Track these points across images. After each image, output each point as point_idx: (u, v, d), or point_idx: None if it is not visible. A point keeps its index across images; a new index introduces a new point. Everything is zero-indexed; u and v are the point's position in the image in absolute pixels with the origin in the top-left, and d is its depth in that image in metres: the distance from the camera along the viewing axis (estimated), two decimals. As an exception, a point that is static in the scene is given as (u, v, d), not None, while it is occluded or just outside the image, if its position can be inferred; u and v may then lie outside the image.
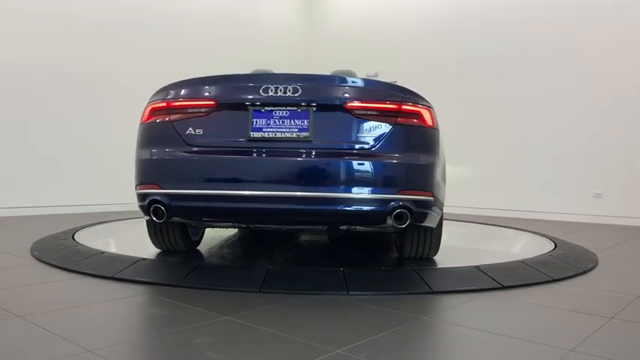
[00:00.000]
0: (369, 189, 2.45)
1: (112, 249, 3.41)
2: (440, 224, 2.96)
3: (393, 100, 2.55)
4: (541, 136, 7.28)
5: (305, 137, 2.50)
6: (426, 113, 2.63)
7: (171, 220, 2.73)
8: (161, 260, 3.03)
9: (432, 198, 2.58)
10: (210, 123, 2.58)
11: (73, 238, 3.73)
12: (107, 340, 1.80)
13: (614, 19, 6.74)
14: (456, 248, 3.96)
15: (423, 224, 2.71)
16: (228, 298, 2.45)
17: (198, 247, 3.49)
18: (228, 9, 8.54)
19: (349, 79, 2.68)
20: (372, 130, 2.51)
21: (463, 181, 7.86)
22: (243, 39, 8.67)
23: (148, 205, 2.61)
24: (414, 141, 2.59)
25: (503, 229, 5.33)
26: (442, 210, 2.89)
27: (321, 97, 2.57)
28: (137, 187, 2.72)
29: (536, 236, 4.65)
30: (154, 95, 2.81)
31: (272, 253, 3.30)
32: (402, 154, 2.52)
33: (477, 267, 2.93)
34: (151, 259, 3.04)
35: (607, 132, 6.73)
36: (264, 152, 2.52)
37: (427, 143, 2.63)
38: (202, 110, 2.60)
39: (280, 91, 2.53)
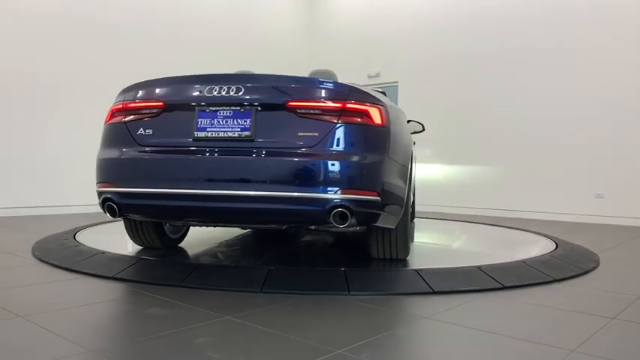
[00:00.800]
0: (308, 188, 2.43)
1: (113, 249, 3.40)
2: (405, 225, 2.90)
3: (337, 99, 2.52)
4: (542, 136, 7.27)
5: (247, 136, 2.52)
6: (374, 111, 2.55)
7: (132, 218, 2.85)
8: (162, 260, 3.03)
9: (378, 198, 2.49)
10: (160, 123, 2.66)
11: (75, 238, 3.73)
12: (108, 340, 1.80)
13: (615, 20, 6.73)
14: (457, 248, 3.96)
15: (378, 225, 2.67)
16: (229, 298, 2.45)
17: (201, 247, 3.49)
18: (228, 9, 8.54)
19: (292, 78, 2.64)
20: (314, 129, 2.48)
21: (464, 182, 7.87)
22: (244, 39, 8.67)
23: (102, 203, 2.73)
24: (358, 140, 2.51)
25: (504, 229, 5.33)
26: (403, 210, 2.82)
27: (263, 96, 2.57)
28: (96, 186, 2.81)
29: (538, 236, 4.64)
30: (117, 97, 2.89)
31: (273, 253, 3.30)
32: (343, 153, 2.47)
33: (478, 267, 2.93)
34: (151, 259, 3.04)
35: (608, 132, 6.72)
36: (207, 151, 2.55)
37: (373, 142, 2.55)
38: (153, 111, 2.68)
39: (224, 91, 2.56)
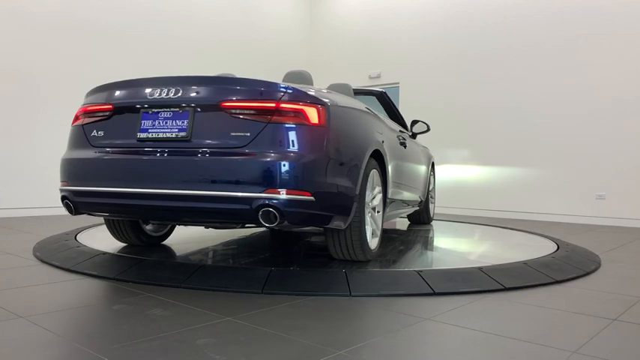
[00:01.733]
0: (236, 187, 2.45)
1: (115, 250, 3.41)
2: (359, 227, 2.87)
3: (271, 99, 2.53)
4: (543, 137, 7.27)
5: (183, 137, 2.58)
6: (311, 111, 2.54)
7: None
8: (163, 261, 3.04)
9: (311, 198, 2.47)
10: (110, 125, 2.80)
11: (76, 239, 3.74)
12: (110, 340, 1.81)
13: (616, 21, 6.72)
14: (458, 249, 3.96)
15: (327, 226, 2.71)
16: (231, 298, 2.45)
17: (202, 248, 3.49)
18: (228, 9, 8.54)
19: (228, 79, 2.68)
20: (246, 129, 2.51)
21: (463, 183, 7.86)
22: (244, 40, 8.69)
23: (61, 201, 2.92)
24: (289, 139, 2.49)
25: (506, 230, 5.32)
26: (352, 211, 2.77)
27: (199, 98, 2.62)
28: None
29: (539, 237, 4.64)
30: (83, 100, 3.06)
31: (274, 254, 3.30)
32: (273, 152, 2.47)
33: (479, 268, 2.93)
34: (153, 260, 3.04)
35: (610, 133, 6.72)
36: (148, 152, 2.65)
37: (307, 141, 2.51)
38: (105, 114, 2.82)
39: (164, 93, 2.65)
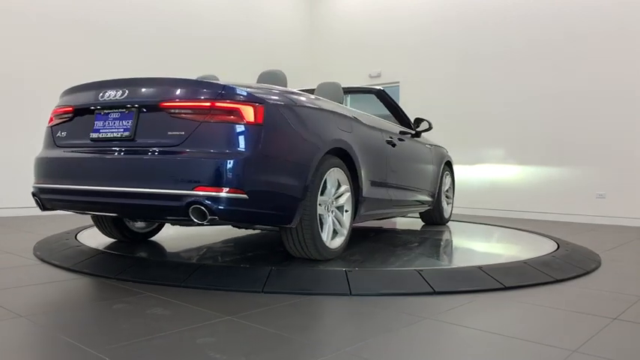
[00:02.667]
0: (169, 185, 2.51)
1: (115, 249, 3.41)
2: (310, 225, 2.85)
3: (206, 98, 2.58)
4: (543, 136, 7.27)
5: (127, 136, 2.68)
6: (247, 110, 2.56)
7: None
8: (164, 260, 3.04)
9: (244, 196, 2.49)
10: (71, 126, 2.95)
11: (76, 238, 3.74)
12: (110, 339, 1.81)
13: (616, 22, 6.72)
14: (458, 248, 3.96)
15: (274, 225, 2.76)
16: (231, 298, 2.46)
17: (202, 247, 3.49)
18: (228, 10, 8.54)
19: (169, 80, 2.74)
20: (181, 128, 2.57)
21: (464, 182, 7.86)
22: (244, 40, 8.68)
23: (32, 197, 3.06)
24: (222, 138, 2.54)
25: (506, 229, 5.32)
26: (300, 209, 2.77)
27: (142, 99, 2.72)
28: None
29: (539, 237, 4.64)
30: None
31: (275, 253, 3.30)
32: (205, 150, 2.51)
33: (480, 267, 2.93)
34: (153, 260, 3.04)
35: (610, 132, 6.72)
36: (98, 151, 2.79)
37: (241, 140, 2.54)
38: (68, 115, 2.97)
39: (113, 95, 2.77)
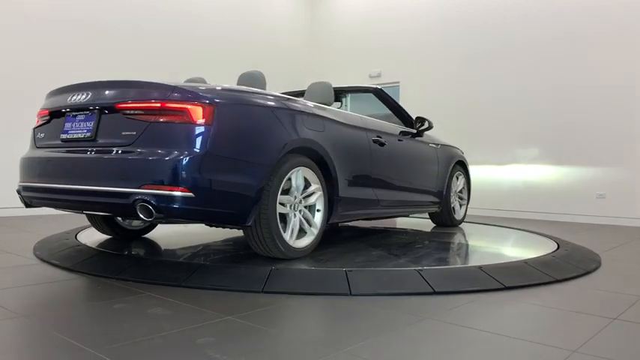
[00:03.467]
0: (119, 183, 2.62)
1: (115, 249, 3.41)
2: (268, 224, 2.85)
3: (157, 99, 2.65)
4: (543, 136, 7.27)
5: (89, 137, 2.82)
6: (196, 110, 2.61)
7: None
8: (164, 260, 3.04)
9: (189, 194, 2.53)
10: (48, 128, 3.11)
11: (76, 238, 3.74)
12: (110, 339, 1.81)
13: (617, 22, 6.72)
14: (459, 248, 3.96)
15: (230, 224, 2.84)
16: (231, 298, 2.46)
17: (203, 247, 3.49)
18: (229, 11, 8.54)
19: (125, 82, 2.84)
20: (133, 128, 2.66)
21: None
22: (244, 41, 8.68)
23: (17, 194, 3.24)
24: (169, 137, 2.61)
25: (506, 229, 5.32)
26: (253, 209, 2.78)
27: (102, 101, 2.82)
28: None
29: (539, 237, 4.64)
30: None
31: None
32: (154, 150, 2.59)
33: (480, 267, 2.93)
34: (153, 259, 3.04)
35: (610, 132, 6.72)
36: (65, 151, 2.94)
37: (188, 139, 2.59)
38: (46, 117, 3.13)
39: (80, 98, 2.90)
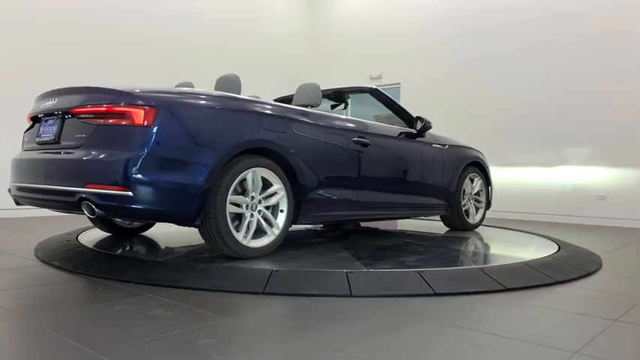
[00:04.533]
0: (67, 182, 2.83)
1: (116, 250, 3.42)
2: (216, 223, 2.90)
3: (104, 103, 2.82)
4: (544, 136, 7.27)
5: (53, 140, 3.04)
6: (138, 113, 2.74)
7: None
8: (164, 261, 3.04)
9: (128, 193, 2.65)
10: (31, 132, 3.35)
11: (77, 240, 3.74)
12: (111, 341, 1.81)
13: (617, 21, 6.73)
14: (459, 250, 3.95)
15: (178, 223, 2.98)
16: (232, 299, 2.46)
17: (203, 248, 3.49)
18: (228, 11, 8.55)
19: (80, 88, 3.00)
20: (83, 131, 2.87)
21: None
22: (245, 42, 8.69)
23: (8, 192, 3.42)
24: (112, 139, 2.77)
25: (507, 230, 5.32)
26: (199, 208, 2.84)
27: (64, 106, 3.03)
28: None
29: (540, 238, 4.64)
30: None
31: (275, 255, 3.31)
32: (98, 150, 2.77)
33: (481, 269, 2.93)
34: (154, 261, 3.04)
35: (610, 133, 6.72)
36: (39, 153, 3.16)
37: (129, 141, 2.73)
38: (30, 122, 3.39)
39: (49, 103, 3.14)
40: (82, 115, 2.89)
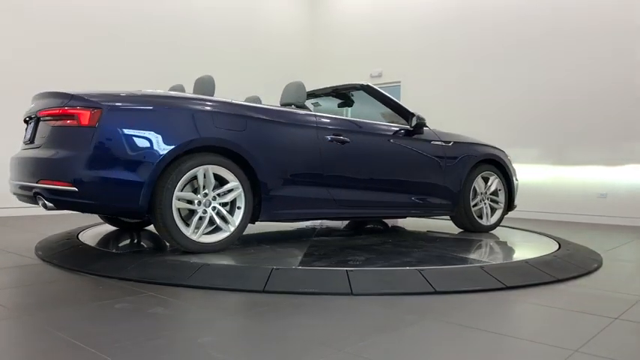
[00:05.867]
0: (29, 178, 3.12)
1: (117, 249, 3.42)
2: (162, 217, 3.03)
3: (58, 106, 3.06)
4: (544, 135, 7.26)
5: (29, 140, 3.33)
6: (84, 114, 2.96)
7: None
8: (165, 260, 3.04)
9: (73, 188, 2.89)
10: (25, 132, 3.55)
11: (78, 238, 3.74)
12: (111, 339, 1.81)
13: (617, 20, 6.72)
14: (459, 248, 3.95)
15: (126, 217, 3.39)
16: (232, 297, 2.46)
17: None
18: (229, 11, 8.53)
19: (46, 93, 3.26)
20: (44, 132, 3.14)
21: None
22: (245, 40, 8.68)
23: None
24: (61, 139, 3.03)
25: (507, 229, 5.32)
26: (142, 203, 2.98)
27: (36, 109, 3.28)
28: None
29: (540, 236, 4.63)
30: None
31: (275, 254, 3.31)
32: (48, 149, 3.04)
33: (481, 267, 2.93)
34: (155, 259, 3.04)
35: (610, 131, 6.71)
36: (22, 151, 3.42)
37: (74, 140, 2.97)
38: (26, 124, 3.60)
39: (31, 107, 3.40)
40: (45, 118, 3.15)
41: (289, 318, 2.14)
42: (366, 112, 4.58)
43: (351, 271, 2.73)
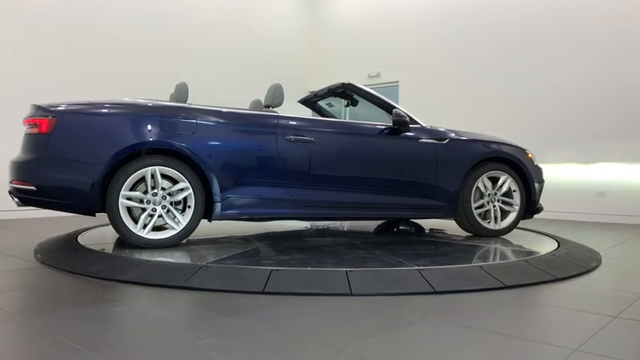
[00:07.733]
0: (9, 179, 3.52)
1: (116, 251, 3.42)
2: (112, 216, 3.36)
3: (31, 116, 3.49)
4: (544, 134, 7.27)
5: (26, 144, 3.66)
6: (43, 122, 3.38)
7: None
8: (164, 262, 3.04)
9: (32, 187, 3.35)
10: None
11: (77, 241, 3.74)
12: (111, 342, 1.81)
13: (617, 20, 6.73)
14: (459, 247, 3.95)
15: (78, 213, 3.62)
16: (232, 299, 2.46)
17: (203, 248, 3.50)
18: (229, 11, 8.54)
19: (32, 106, 3.57)
20: (24, 139, 3.53)
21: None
22: (244, 40, 8.68)
23: None
24: (29, 144, 3.46)
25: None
26: (91, 202, 3.35)
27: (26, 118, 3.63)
28: None
29: (540, 235, 4.64)
30: None
31: (275, 254, 3.31)
32: (22, 154, 3.48)
33: (480, 266, 2.93)
34: (154, 261, 3.04)
35: (610, 129, 6.72)
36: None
37: (34, 145, 3.41)
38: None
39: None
40: (25, 126, 3.57)
41: (289, 319, 2.14)
42: (370, 112, 4.59)
43: (351, 271, 2.73)
